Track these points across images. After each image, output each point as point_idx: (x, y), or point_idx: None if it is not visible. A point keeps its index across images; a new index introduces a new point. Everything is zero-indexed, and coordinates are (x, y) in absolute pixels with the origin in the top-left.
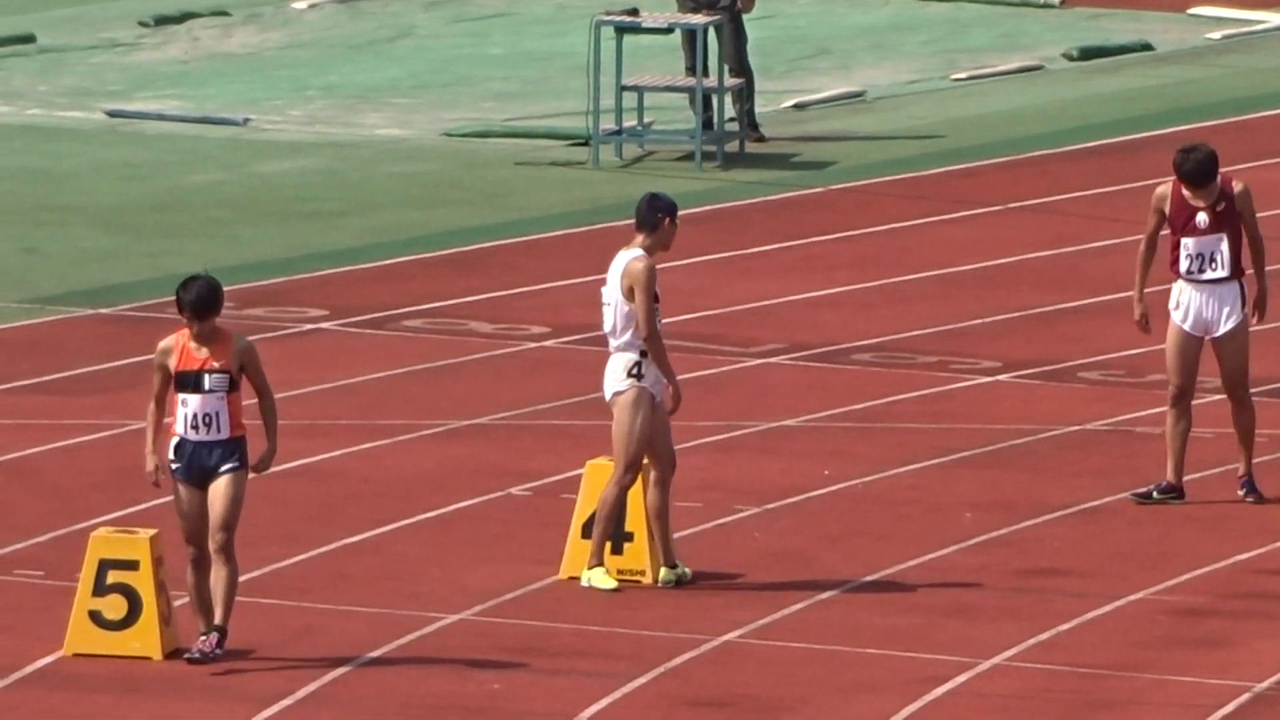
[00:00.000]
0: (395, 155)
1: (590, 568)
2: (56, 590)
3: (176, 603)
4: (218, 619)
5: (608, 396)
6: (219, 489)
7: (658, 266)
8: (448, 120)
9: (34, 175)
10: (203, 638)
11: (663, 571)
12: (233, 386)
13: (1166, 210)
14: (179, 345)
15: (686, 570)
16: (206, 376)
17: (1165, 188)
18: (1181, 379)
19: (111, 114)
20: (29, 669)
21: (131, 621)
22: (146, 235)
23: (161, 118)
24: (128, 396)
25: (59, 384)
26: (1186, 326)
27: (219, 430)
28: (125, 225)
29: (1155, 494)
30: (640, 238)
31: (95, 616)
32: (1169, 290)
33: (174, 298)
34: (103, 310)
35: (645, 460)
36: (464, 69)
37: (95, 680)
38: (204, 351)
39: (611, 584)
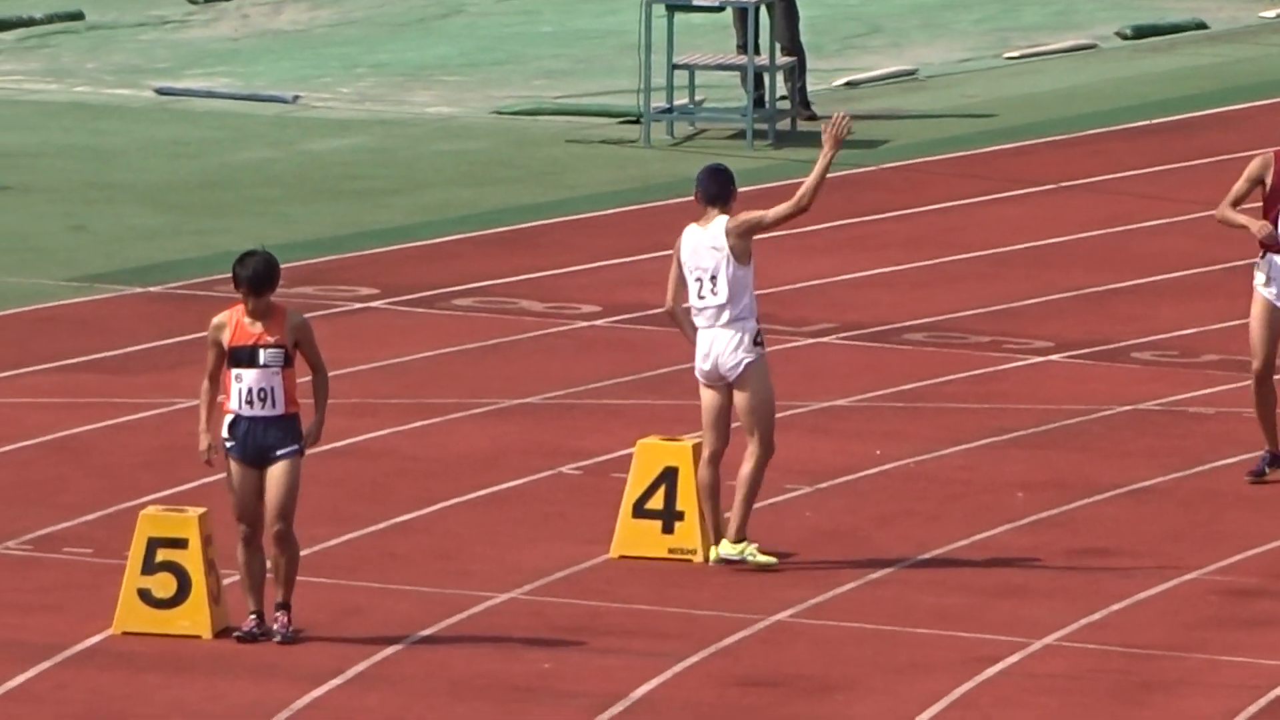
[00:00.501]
0: (446, 133)
1: (734, 542)
2: (105, 568)
3: (226, 581)
4: (281, 596)
5: (731, 369)
6: (276, 477)
7: None
8: (498, 98)
9: (82, 153)
10: (252, 616)
11: (715, 550)
12: (287, 362)
13: (1269, 180)
14: (233, 320)
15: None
16: (261, 351)
17: (1266, 157)
18: (1266, 351)
19: (160, 91)
20: (78, 647)
21: (181, 600)
22: (195, 213)
23: (211, 95)
24: (177, 375)
25: (108, 362)
26: (1276, 299)
27: (273, 405)
28: (174, 203)
29: (1267, 470)
30: (714, 211)
31: (144, 595)
32: (1252, 267)
33: (230, 273)
34: (151, 288)
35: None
36: (515, 47)
37: (144, 659)
38: (258, 326)
39: (769, 560)
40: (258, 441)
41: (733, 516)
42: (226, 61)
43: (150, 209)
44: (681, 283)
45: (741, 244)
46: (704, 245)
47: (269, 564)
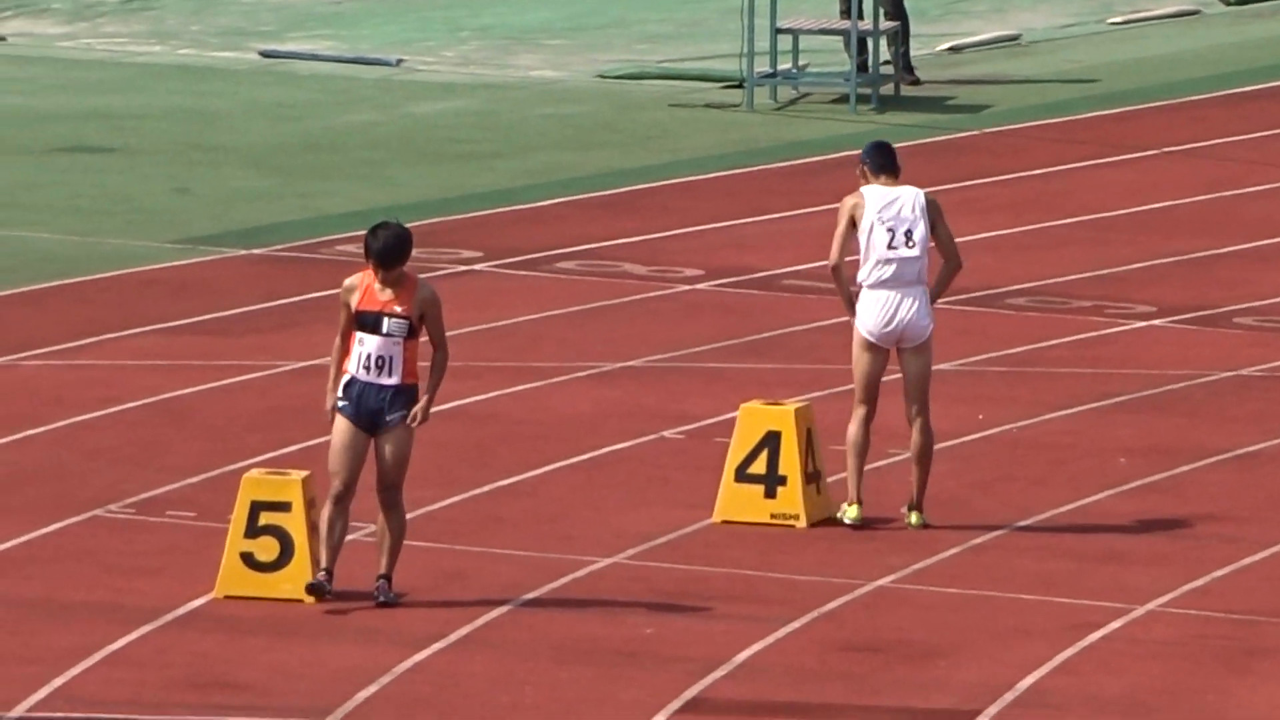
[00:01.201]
0: (549, 97)
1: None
2: (208, 532)
3: None
4: (383, 568)
5: (920, 330)
6: (387, 445)
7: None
8: (602, 62)
9: (187, 115)
10: (322, 572)
11: (853, 510)
12: (411, 333)
13: None
14: (363, 284)
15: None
16: (386, 320)
17: None
18: None
19: (264, 54)
20: (181, 610)
21: (283, 563)
22: (299, 176)
23: (314, 58)
24: (280, 337)
25: (212, 324)
26: None
27: (391, 374)
28: (278, 166)
29: None
30: (885, 178)
31: (247, 558)
32: None
33: (362, 243)
34: (255, 251)
35: (863, 398)
36: (619, 10)
37: (247, 622)
38: (387, 294)
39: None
40: (370, 406)
41: (921, 486)
42: (330, 24)
43: (254, 171)
44: (846, 241)
45: (931, 220)
46: (904, 200)
47: (378, 531)
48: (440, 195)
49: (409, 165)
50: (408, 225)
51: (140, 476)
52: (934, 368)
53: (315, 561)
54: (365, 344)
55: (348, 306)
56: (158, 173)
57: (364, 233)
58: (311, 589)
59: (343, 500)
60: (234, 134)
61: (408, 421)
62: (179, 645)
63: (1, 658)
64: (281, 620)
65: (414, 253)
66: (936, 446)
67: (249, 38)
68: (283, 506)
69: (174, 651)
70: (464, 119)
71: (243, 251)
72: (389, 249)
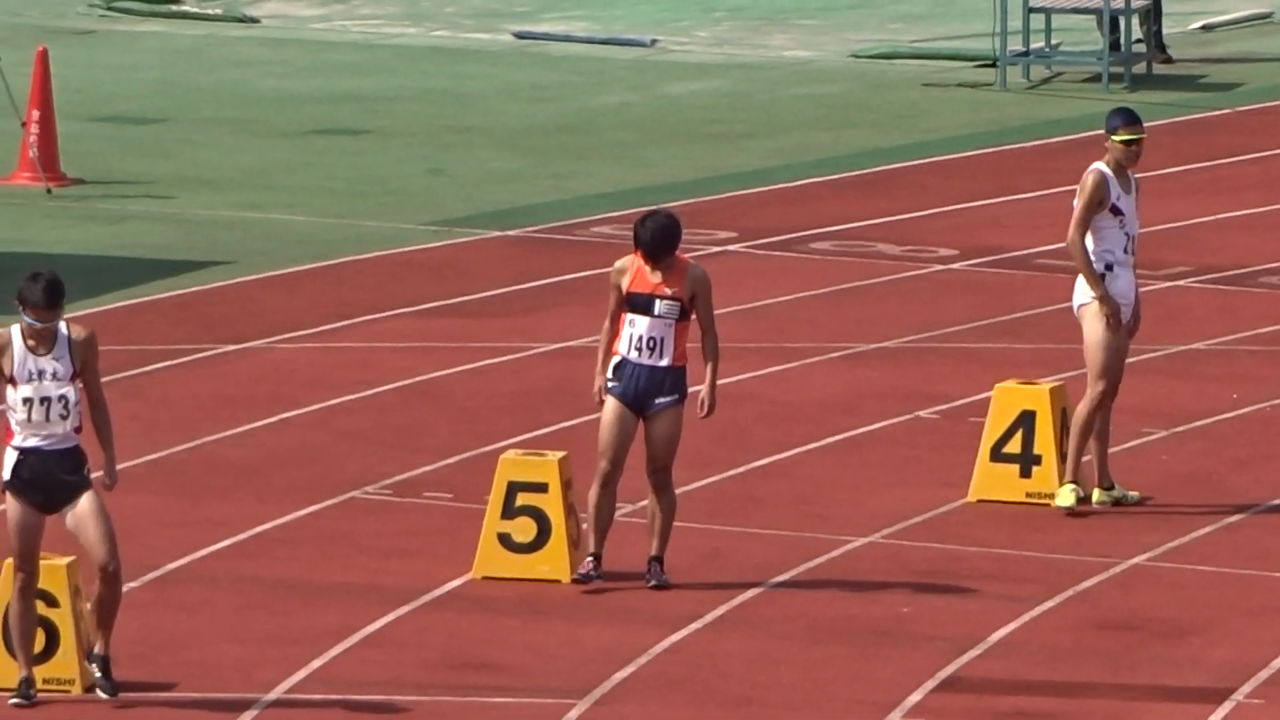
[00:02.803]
0: (802, 77)
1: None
2: (465, 513)
3: (585, 525)
4: (655, 550)
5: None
6: (658, 426)
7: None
8: (855, 41)
9: (441, 96)
10: (590, 559)
11: (1096, 493)
12: (683, 315)
13: None
14: (634, 265)
15: (1130, 493)
16: (658, 302)
17: None
18: None
19: (518, 35)
20: (438, 591)
21: (541, 544)
22: (553, 157)
23: (568, 39)
24: (535, 319)
25: (466, 306)
26: None
27: (661, 356)
28: (531, 147)
29: None
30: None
31: (504, 539)
32: None
33: (631, 232)
34: (509, 232)
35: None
36: None
37: (504, 603)
38: (658, 276)
39: (1069, 501)
40: (640, 388)
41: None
42: (584, 5)
43: (508, 152)
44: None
45: None
46: (1130, 191)
47: (649, 512)
48: (694, 176)
49: (662, 146)
50: (661, 206)
51: (396, 458)
52: (1189, 346)
53: (573, 542)
54: (636, 325)
55: (618, 288)
56: (412, 154)
57: (618, 214)
58: (578, 580)
59: (610, 482)
60: (488, 115)
61: (700, 413)
62: (436, 626)
63: (260, 639)
64: (538, 601)
65: None
66: (1191, 425)
67: (503, 19)
68: (540, 487)
69: (431, 632)
70: (717, 99)
71: (496, 233)
72: (657, 239)
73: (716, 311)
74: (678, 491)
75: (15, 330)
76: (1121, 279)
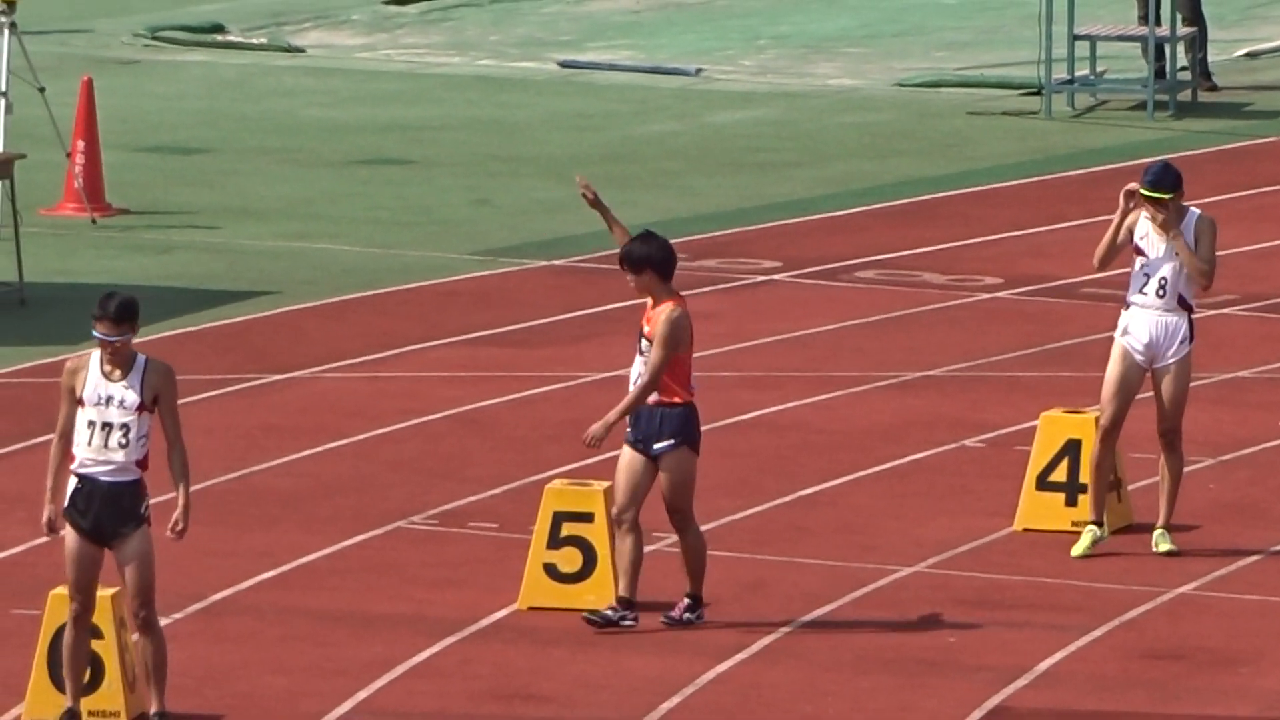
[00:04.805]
0: (848, 105)
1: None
2: (511, 543)
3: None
4: (689, 586)
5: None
6: (664, 469)
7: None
8: (900, 70)
9: (486, 125)
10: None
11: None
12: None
13: None
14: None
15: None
16: (642, 340)
17: None
18: None
19: (563, 64)
20: (484, 622)
21: (586, 574)
22: (599, 186)
23: (613, 68)
24: (580, 349)
25: (512, 336)
26: None
27: (662, 390)
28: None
29: None
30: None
31: (550, 569)
32: None
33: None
34: (555, 262)
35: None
36: (917, 18)
37: (549, 633)
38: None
39: (1081, 548)
40: (643, 433)
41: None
42: (628, 34)
43: (553, 182)
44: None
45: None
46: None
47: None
48: (738, 205)
49: (707, 175)
50: (708, 235)
51: (442, 488)
52: (1234, 375)
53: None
54: (636, 365)
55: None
56: (457, 184)
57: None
58: (590, 619)
59: (633, 524)
60: (533, 145)
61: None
62: (482, 657)
63: (306, 670)
64: (584, 631)
65: (712, 263)
66: (1238, 453)
67: (548, 48)
68: (585, 517)
69: (477, 663)
70: (762, 128)
71: (543, 262)
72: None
73: (762, 340)
74: (723, 520)
75: (95, 355)
76: (1138, 318)
